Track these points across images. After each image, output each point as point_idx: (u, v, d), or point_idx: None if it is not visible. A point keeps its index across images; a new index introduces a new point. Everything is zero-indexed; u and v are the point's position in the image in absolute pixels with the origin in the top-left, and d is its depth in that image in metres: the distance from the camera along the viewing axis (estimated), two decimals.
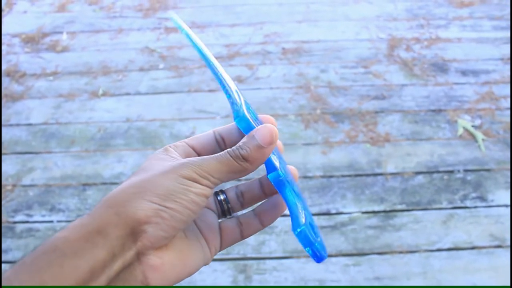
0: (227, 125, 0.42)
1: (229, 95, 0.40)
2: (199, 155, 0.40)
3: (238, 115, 0.38)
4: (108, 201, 0.33)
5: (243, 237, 0.41)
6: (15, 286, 0.28)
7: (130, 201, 0.33)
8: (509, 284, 1.36)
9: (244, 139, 0.37)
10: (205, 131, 0.42)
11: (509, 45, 2.32)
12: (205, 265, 0.38)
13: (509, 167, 1.71)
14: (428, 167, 1.72)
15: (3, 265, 1.46)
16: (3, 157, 1.82)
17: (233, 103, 0.39)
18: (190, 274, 0.36)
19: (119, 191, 0.34)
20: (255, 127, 0.38)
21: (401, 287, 1.37)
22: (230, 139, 0.41)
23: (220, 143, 0.41)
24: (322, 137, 1.85)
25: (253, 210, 0.42)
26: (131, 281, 0.32)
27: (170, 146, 0.39)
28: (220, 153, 0.36)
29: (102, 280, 0.30)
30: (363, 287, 1.38)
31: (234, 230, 0.41)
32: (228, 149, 0.36)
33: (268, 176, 0.39)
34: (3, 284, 0.28)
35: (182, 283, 0.37)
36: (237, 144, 0.37)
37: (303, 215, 0.37)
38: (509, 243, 1.47)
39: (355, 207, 1.59)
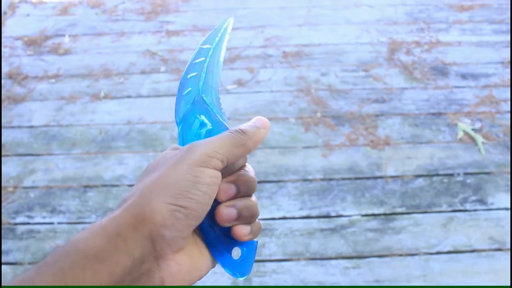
0: None
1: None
2: None
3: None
4: (126, 202, 0.33)
5: None
6: (15, 287, 0.28)
7: (146, 202, 0.32)
8: (509, 285, 1.36)
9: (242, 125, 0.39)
10: None
11: (508, 49, 2.33)
12: (212, 268, 0.39)
13: (509, 170, 1.71)
14: (428, 170, 1.72)
15: (3, 267, 1.46)
16: (4, 158, 1.83)
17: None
18: (200, 278, 0.37)
19: (136, 192, 0.34)
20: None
21: (398, 287, 1.38)
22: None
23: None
24: (323, 140, 1.86)
25: None
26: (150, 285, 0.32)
27: (169, 148, 0.40)
28: (224, 132, 0.38)
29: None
30: (363, 287, 1.38)
31: None
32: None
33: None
34: (25, 282, 0.28)
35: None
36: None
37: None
38: (508, 246, 1.47)
39: (355, 210, 1.59)
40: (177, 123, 0.40)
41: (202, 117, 0.39)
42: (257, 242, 0.39)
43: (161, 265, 0.33)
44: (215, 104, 0.40)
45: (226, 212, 0.36)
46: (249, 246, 0.39)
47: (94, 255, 0.29)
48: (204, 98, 0.40)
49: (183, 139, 0.39)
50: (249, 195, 0.38)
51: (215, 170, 0.35)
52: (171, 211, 0.32)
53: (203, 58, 0.41)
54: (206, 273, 0.37)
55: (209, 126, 0.39)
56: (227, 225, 0.37)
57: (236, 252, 0.39)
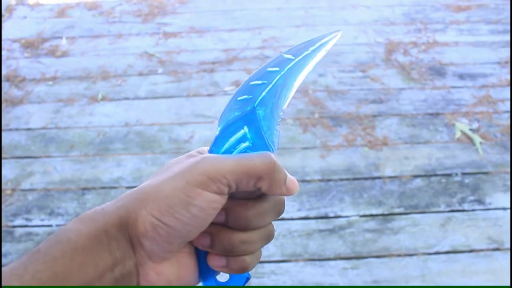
0: None
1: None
2: None
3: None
4: (120, 200, 0.33)
5: None
6: (16, 286, 0.28)
7: (134, 208, 0.32)
8: (508, 285, 1.36)
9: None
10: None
11: (505, 49, 2.33)
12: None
13: (506, 170, 1.72)
14: (426, 171, 1.72)
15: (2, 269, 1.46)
16: (2, 161, 1.83)
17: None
18: None
19: (132, 193, 0.33)
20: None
21: (396, 287, 1.38)
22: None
23: None
24: (320, 141, 1.86)
25: None
26: None
27: (195, 151, 0.36)
28: (246, 153, 0.33)
29: (104, 283, 0.30)
30: (361, 287, 1.38)
31: None
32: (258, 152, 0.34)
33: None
34: (19, 268, 0.29)
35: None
36: None
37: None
38: (506, 245, 1.47)
39: (353, 211, 1.59)
40: (219, 123, 0.35)
41: (246, 130, 0.34)
42: (248, 276, 0.35)
43: (140, 271, 0.32)
44: (269, 123, 0.34)
45: (200, 236, 0.33)
46: (237, 276, 0.35)
47: (83, 247, 0.30)
48: (259, 111, 0.34)
49: (215, 146, 0.34)
50: (240, 230, 0.33)
51: (215, 194, 0.31)
52: (154, 225, 0.31)
53: (277, 69, 0.35)
54: (193, 285, 0.35)
55: (249, 143, 0.34)
56: (201, 248, 0.34)
57: (224, 276, 0.35)
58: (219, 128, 0.35)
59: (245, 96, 0.34)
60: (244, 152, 0.34)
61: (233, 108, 0.35)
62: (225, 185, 0.31)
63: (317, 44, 0.36)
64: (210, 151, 0.35)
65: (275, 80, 0.35)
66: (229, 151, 0.34)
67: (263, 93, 0.34)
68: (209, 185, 0.31)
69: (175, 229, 0.31)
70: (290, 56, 0.36)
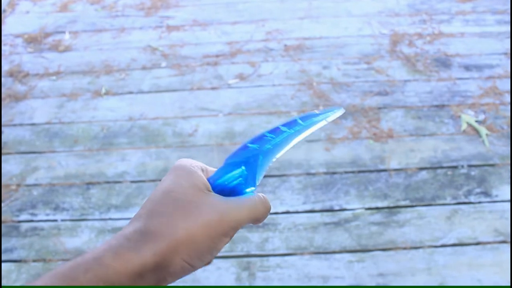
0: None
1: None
2: None
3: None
4: (152, 238, 0.36)
5: None
6: (20, 286, 0.29)
7: (169, 256, 0.36)
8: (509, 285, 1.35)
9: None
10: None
11: None
12: None
13: None
14: (432, 163, 1.71)
15: (8, 264, 1.46)
16: (7, 157, 1.83)
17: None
18: None
19: (164, 236, 0.36)
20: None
21: (403, 287, 1.37)
22: None
23: None
24: (325, 133, 1.85)
25: None
26: None
27: (200, 166, 0.42)
28: (251, 199, 0.40)
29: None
30: (365, 287, 1.38)
31: None
32: (259, 196, 0.41)
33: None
34: None
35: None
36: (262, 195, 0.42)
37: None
38: None
39: (359, 204, 1.59)
40: (226, 159, 0.42)
41: (244, 169, 0.42)
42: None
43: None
44: (263, 167, 0.43)
45: None
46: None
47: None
48: (261, 159, 0.43)
49: (218, 176, 0.41)
50: None
51: (231, 237, 0.39)
52: (183, 268, 0.37)
53: (287, 129, 0.44)
54: None
55: (242, 180, 0.42)
56: None
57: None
58: (225, 164, 0.42)
59: (255, 146, 0.42)
60: (237, 186, 0.41)
61: (242, 151, 0.42)
62: (238, 229, 0.39)
63: (322, 115, 0.45)
64: (211, 178, 0.41)
65: (282, 138, 0.43)
66: (225, 182, 0.41)
67: (269, 146, 0.43)
68: (231, 233, 0.38)
69: (198, 268, 0.38)
70: (301, 122, 0.44)
